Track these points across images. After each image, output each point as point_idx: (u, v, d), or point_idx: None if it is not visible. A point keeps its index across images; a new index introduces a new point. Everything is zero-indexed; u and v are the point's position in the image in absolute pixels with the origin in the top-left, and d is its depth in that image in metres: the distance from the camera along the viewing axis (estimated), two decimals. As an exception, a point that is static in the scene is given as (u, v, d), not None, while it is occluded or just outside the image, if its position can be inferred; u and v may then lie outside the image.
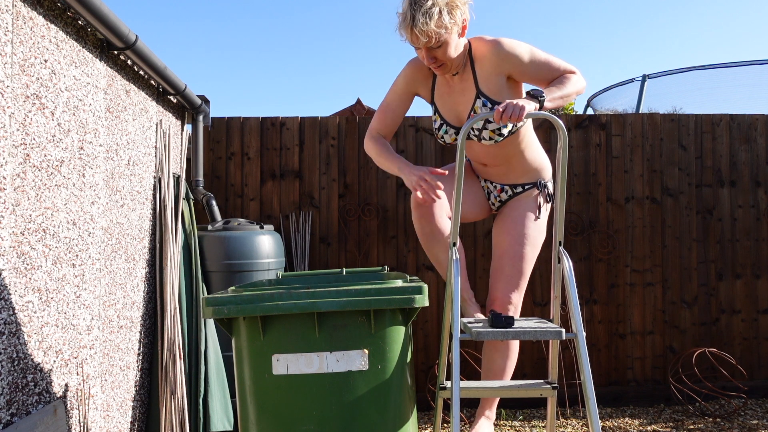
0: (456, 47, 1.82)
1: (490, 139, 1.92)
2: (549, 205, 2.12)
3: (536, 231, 2.08)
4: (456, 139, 1.96)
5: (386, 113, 2.02)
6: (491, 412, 2.06)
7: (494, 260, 2.09)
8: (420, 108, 23.56)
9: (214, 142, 3.54)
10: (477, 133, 1.93)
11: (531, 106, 1.69)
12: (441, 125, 1.97)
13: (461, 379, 1.99)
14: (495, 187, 2.13)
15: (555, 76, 1.86)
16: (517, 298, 2.06)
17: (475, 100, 1.90)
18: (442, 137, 2.00)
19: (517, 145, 1.99)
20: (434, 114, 1.99)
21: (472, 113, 1.90)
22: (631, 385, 3.67)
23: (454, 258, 1.82)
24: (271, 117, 3.57)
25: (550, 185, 2.10)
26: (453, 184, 2.10)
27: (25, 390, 1.74)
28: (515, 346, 2.11)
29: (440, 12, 1.72)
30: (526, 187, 2.09)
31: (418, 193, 1.77)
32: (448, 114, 1.97)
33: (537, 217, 2.07)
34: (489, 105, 1.89)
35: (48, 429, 1.80)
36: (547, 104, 1.75)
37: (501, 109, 1.64)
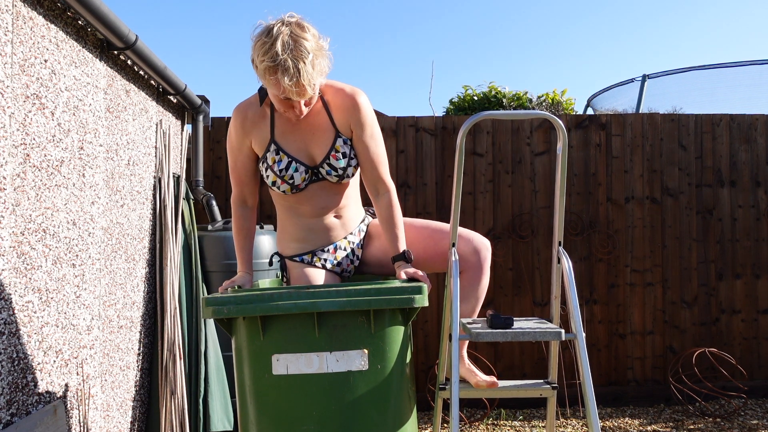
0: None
1: (343, 175, 1.78)
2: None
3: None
4: (305, 179, 1.76)
5: (237, 172, 1.81)
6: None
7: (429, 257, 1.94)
8: (420, 108, 23.58)
9: (214, 142, 3.54)
10: (338, 173, 1.77)
11: (410, 269, 1.71)
12: (289, 163, 1.73)
13: (461, 380, 1.99)
14: (350, 241, 1.91)
15: (375, 173, 1.77)
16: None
17: (336, 138, 1.75)
18: (291, 177, 1.73)
19: (352, 182, 1.88)
20: (275, 154, 1.73)
21: (334, 153, 1.74)
22: (631, 385, 3.67)
23: (453, 258, 1.82)
24: (271, 117, 3.57)
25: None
26: None
27: (25, 390, 1.74)
28: (483, 285, 1.94)
29: (315, 61, 1.55)
30: (366, 219, 1.99)
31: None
32: (297, 152, 1.75)
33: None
34: (349, 143, 1.76)
35: (48, 429, 1.80)
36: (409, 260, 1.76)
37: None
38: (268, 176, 1.76)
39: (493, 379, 1.92)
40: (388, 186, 1.82)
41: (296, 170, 1.74)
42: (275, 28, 1.54)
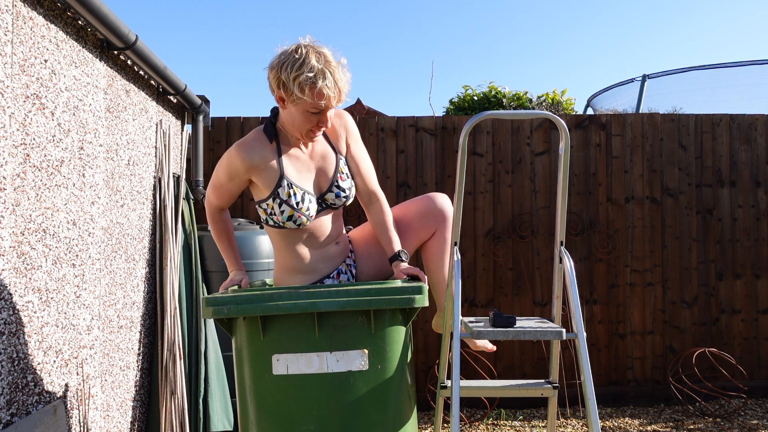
0: None
1: (346, 196, 1.85)
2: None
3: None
4: (317, 209, 1.80)
5: (222, 193, 1.87)
6: None
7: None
8: (420, 108, 23.57)
9: (214, 142, 3.54)
10: (345, 194, 1.84)
11: (407, 265, 1.79)
12: (303, 195, 1.76)
13: (461, 379, 1.99)
14: (347, 264, 1.96)
15: (368, 185, 1.89)
16: None
17: (338, 161, 1.83)
18: (308, 208, 1.76)
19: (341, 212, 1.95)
20: (288, 188, 1.75)
21: (340, 175, 1.82)
22: (631, 385, 3.67)
23: (455, 258, 1.82)
24: (271, 117, 3.57)
25: None
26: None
27: (25, 390, 1.74)
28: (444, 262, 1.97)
29: (343, 70, 1.70)
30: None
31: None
32: (306, 183, 1.80)
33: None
34: (347, 163, 1.87)
35: (48, 429, 1.79)
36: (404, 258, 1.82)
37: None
38: (282, 211, 1.76)
39: (493, 346, 1.98)
40: (378, 195, 1.91)
41: (310, 201, 1.79)
42: (299, 49, 1.66)
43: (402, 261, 1.81)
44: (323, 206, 1.83)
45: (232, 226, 1.95)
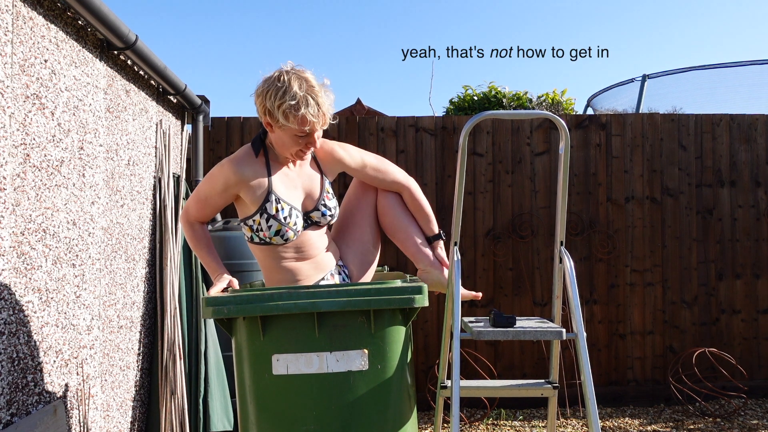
0: None
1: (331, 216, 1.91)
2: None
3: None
4: (303, 225, 1.83)
5: (206, 207, 1.85)
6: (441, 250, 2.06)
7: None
8: (420, 108, 23.57)
9: (214, 142, 3.54)
10: (331, 212, 1.89)
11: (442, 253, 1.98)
12: (290, 210, 1.79)
13: (461, 379, 1.99)
14: (339, 265, 1.99)
15: (392, 180, 1.95)
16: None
17: (323, 182, 1.89)
18: (295, 223, 1.79)
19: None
20: (276, 203, 1.77)
21: (326, 194, 1.87)
22: (631, 385, 3.67)
23: (455, 258, 1.82)
24: (271, 117, 3.56)
25: None
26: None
27: (25, 390, 1.74)
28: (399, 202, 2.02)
29: (326, 94, 1.73)
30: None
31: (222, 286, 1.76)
32: (293, 200, 1.82)
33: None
34: (331, 185, 1.94)
35: (48, 429, 1.79)
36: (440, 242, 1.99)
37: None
38: (270, 226, 1.77)
39: (478, 294, 2.01)
40: (402, 184, 1.96)
41: (297, 216, 1.81)
42: (282, 76, 1.69)
43: (433, 243, 1.96)
44: (309, 223, 1.85)
45: (209, 233, 1.95)
